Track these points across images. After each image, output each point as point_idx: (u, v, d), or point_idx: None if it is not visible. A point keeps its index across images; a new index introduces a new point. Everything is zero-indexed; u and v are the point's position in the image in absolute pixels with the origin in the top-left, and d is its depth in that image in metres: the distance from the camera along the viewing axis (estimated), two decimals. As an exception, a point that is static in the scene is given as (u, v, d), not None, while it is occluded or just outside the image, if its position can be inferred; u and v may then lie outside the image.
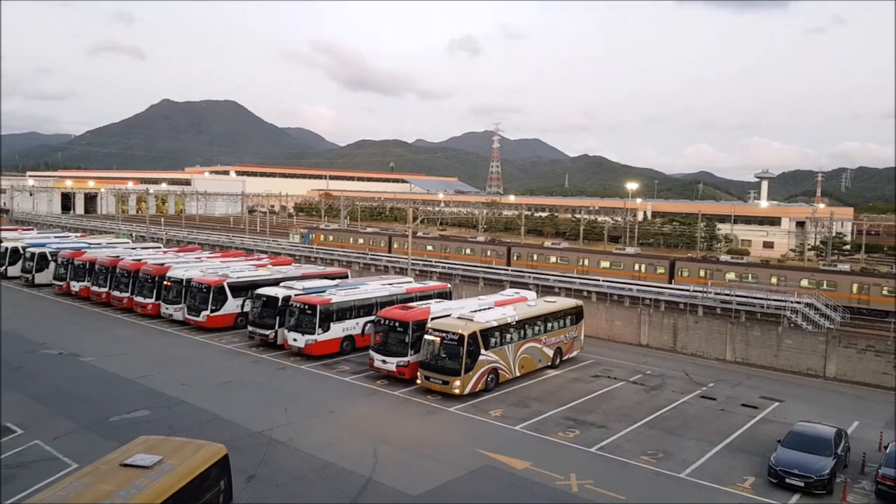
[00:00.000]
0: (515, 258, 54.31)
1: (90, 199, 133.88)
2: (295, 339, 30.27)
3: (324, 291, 32.21)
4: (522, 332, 28.50)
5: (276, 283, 35.44)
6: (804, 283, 40.15)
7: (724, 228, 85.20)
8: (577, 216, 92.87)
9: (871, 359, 30.97)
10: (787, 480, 18.13)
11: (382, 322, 27.94)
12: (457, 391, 24.88)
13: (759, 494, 17.94)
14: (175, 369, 27.89)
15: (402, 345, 26.98)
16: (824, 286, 39.38)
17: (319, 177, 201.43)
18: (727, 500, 17.63)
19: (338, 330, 30.81)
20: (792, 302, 34.73)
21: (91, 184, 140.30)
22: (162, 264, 40.16)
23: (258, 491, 16.86)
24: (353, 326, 31.42)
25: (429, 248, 60.08)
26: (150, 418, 21.84)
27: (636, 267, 47.69)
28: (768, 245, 79.78)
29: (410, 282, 38.78)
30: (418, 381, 26.07)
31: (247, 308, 34.20)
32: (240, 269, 39.33)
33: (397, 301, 32.75)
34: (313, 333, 29.87)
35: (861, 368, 31.22)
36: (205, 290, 35.21)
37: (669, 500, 17.52)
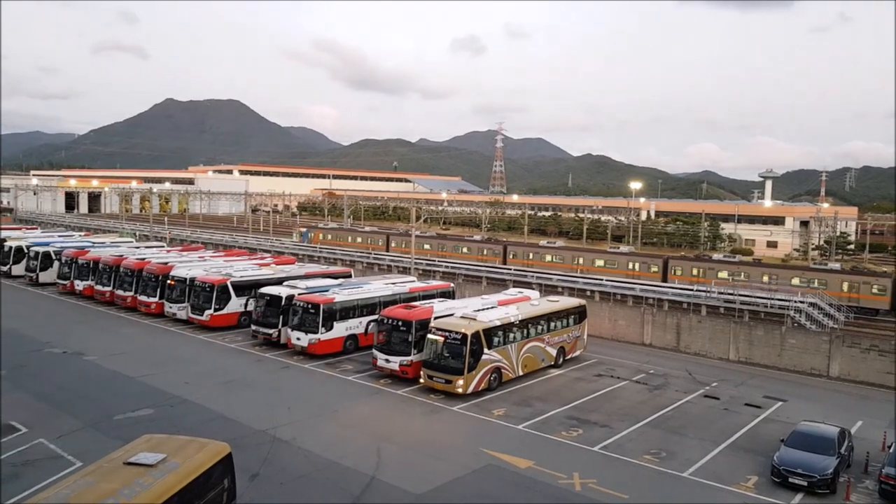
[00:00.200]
0: (511, 257, 54.96)
1: (94, 199, 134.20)
2: (298, 338, 30.31)
3: (327, 291, 32.24)
4: (525, 331, 28.49)
5: (279, 282, 35.48)
6: (795, 281, 40.70)
7: (727, 228, 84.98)
8: (581, 216, 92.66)
9: (875, 358, 30.87)
10: (791, 480, 18.09)
11: (386, 321, 27.97)
12: (460, 390, 24.89)
13: (762, 494, 17.90)
14: (178, 368, 27.97)
15: (405, 344, 26.99)
16: (815, 284, 39.82)
17: (323, 176, 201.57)
18: (730, 500, 17.60)
19: (341, 329, 30.84)
20: (796, 301, 34.65)
21: (95, 183, 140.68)
22: (165, 263, 40.28)
23: (261, 490, 16.90)
24: (356, 325, 31.46)
25: (426, 246, 60.28)
26: (154, 417, 21.90)
27: (630, 265, 48.18)
28: (772, 245, 79.56)
29: (413, 281, 38.78)
30: (421, 381, 26.09)
31: (250, 307, 34.28)
32: (243, 269, 39.39)
33: (400, 300, 32.75)
34: (316, 332, 29.91)
35: (865, 368, 31.13)
36: (208, 289, 35.28)
37: (672, 500, 17.49)
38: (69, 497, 11.05)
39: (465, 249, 58.60)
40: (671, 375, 30.40)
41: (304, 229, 76.67)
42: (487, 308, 28.75)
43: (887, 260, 71.13)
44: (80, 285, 43.60)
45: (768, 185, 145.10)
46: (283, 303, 31.93)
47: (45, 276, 48.33)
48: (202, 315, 35.24)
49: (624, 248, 55.78)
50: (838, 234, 72.04)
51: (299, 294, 31.48)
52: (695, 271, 45.04)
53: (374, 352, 27.88)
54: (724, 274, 43.31)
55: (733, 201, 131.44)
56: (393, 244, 63.80)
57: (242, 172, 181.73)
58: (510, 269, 49.40)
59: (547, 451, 20.19)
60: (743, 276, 42.57)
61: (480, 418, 23.17)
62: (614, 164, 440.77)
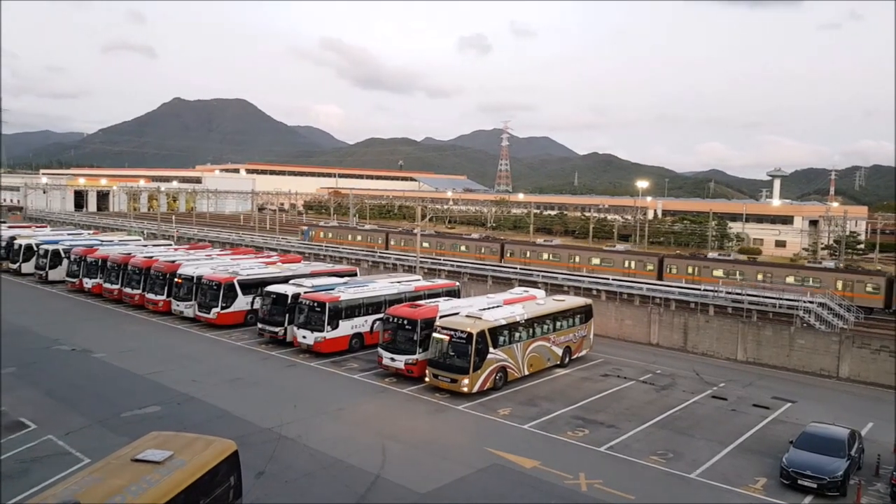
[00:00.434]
0: (509, 255, 55.32)
1: (102, 197, 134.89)
2: (304, 337, 30.36)
3: (333, 289, 32.29)
4: (531, 330, 28.42)
5: (285, 280, 35.54)
6: (790, 280, 40.95)
7: (735, 227, 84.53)
8: (587, 214, 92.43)
9: (886, 359, 30.61)
10: (800, 482, 17.95)
11: (391, 320, 27.97)
12: (465, 389, 24.86)
13: (770, 496, 17.78)
14: (186, 366, 28.08)
15: (410, 343, 26.98)
16: (810, 283, 39.90)
17: (329, 175, 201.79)
18: (738, 501, 17.49)
19: (346, 327, 30.87)
20: (805, 301, 34.42)
21: (103, 182, 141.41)
22: (173, 261, 40.44)
23: (267, 487, 16.93)
24: (361, 324, 31.48)
25: (425, 244, 60.46)
26: (161, 414, 21.99)
27: (626, 263, 48.46)
28: (780, 244, 79.08)
29: (419, 280, 38.80)
30: (427, 379, 26.08)
31: (256, 305, 34.37)
32: (250, 267, 39.51)
33: (406, 299, 32.76)
34: (322, 331, 29.94)
35: (875, 369, 30.87)
36: (215, 287, 35.40)
37: (679, 501, 17.40)
38: (78, 493, 11.09)
39: (463, 248, 59.21)
40: (678, 376, 30.25)
41: (305, 227, 77.38)
42: (493, 307, 28.71)
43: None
44: (88, 283, 43.86)
45: (777, 183, 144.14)
46: (289, 301, 31.99)
47: (54, 274, 48.64)
48: (209, 313, 35.36)
49: (620, 247, 56.30)
50: (848, 233, 71.48)
51: (305, 292, 31.54)
52: (689, 269, 45.61)
53: (380, 350, 27.89)
54: (718, 272, 43.75)
55: (741, 200, 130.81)
56: (392, 242, 64.57)
57: (249, 171, 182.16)
58: (516, 268, 49.35)
59: (553, 451, 20.13)
60: (738, 274, 42.92)
61: (486, 417, 23.13)
62: (621, 162, 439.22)
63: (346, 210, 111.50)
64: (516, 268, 49.76)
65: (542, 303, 31.22)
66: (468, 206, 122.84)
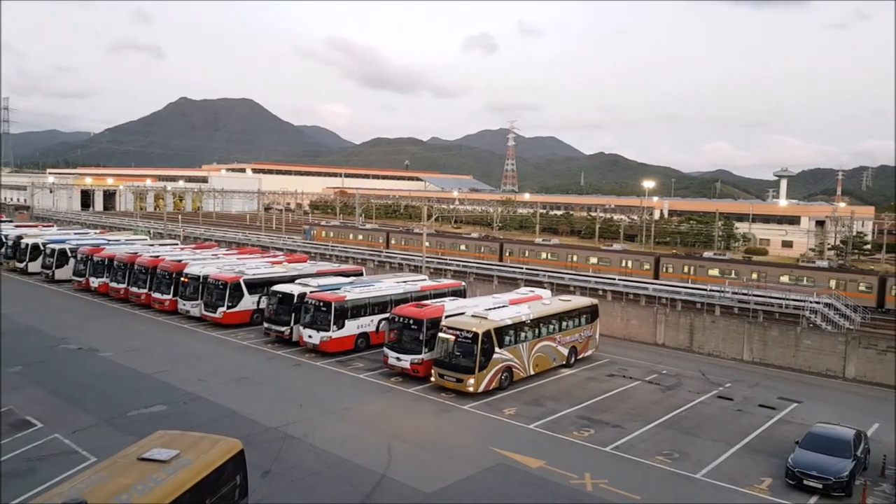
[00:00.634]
0: (508, 254, 55.65)
1: (109, 197, 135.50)
2: (310, 336, 30.43)
3: (339, 289, 32.35)
4: (537, 330, 28.40)
5: (291, 280, 35.61)
6: (784, 279, 41.15)
7: (742, 227, 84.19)
8: (593, 214, 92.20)
9: (892, 360, 30.41)
10: (806, 482, 17.88)
11: (397, 319, 28.00)
12: (471, 389, 24.86)
13: (776, 496, 17.71)
14: (192, 365, 28.19)
15: (416, 342, 27.01)
16: (804, 282, 40.01)
17: (335, 174, 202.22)
18: (744, 501, 17.43)
19: (352, 327, 30.91)
20: (811, 302, 34.25)
21: (110, 181, 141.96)
22: (179, 261, 40.59)
23: (273, 486, 16.99)
24: (367, 324, 31.53)
25: (425, 244, 60.59)
26: (168, 413, 22.09)
27: (623, 263, 48.74)
28: (787, 244, 78.75)
29: (425, 279, 38.80)
30: (432, 379, 26.10)
31: (262, 305, 34.47)
32: (256, 267, 39.62)
33: (412, 299, 32.78)
34: (328, 330, 30.01)
35: (882, 369, 30.69)
36: (221, 286, 35.52)
37: (685, 501, 17.35)
38: (84, 492, 11.16)
39: (462, 247, 59.61)
40: (684, 376, 30.17)
41: (307, 227, 77.80)
42: (499, 307, 28.69)
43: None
44: (95, 282, 44.08)
45: (783, 184, 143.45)
46: (295, 301, 32.07)
47: (60, 274, 48.92)
48: (215, 312, 35.49)
49: (617, 246, 56.91)
50: (854, 233, 71.06)
51: (311, 292, 31.61)
52: (685, 269, 46.02)
53: (385, 350, 27.92)
54: (714, 272, 44.07)
55: (748, 200, 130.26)
56: (393, 241, 64.89)
57: (255, 171, 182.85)
58: (521, 268, 49.31)
59: (558, 451, 20.11)
60: (733, 273, 43.08)
61: (491, 417, 23.13)
62: (627, 162, 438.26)
63: (353, 210, 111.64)
64: (522, 268, 49.70)
65: (548, 303, 31.18)
66: (474, 206, 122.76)
